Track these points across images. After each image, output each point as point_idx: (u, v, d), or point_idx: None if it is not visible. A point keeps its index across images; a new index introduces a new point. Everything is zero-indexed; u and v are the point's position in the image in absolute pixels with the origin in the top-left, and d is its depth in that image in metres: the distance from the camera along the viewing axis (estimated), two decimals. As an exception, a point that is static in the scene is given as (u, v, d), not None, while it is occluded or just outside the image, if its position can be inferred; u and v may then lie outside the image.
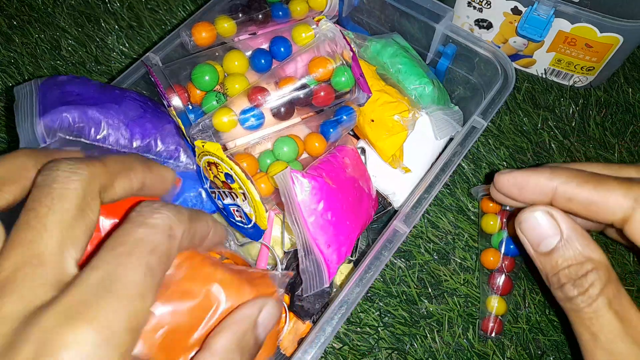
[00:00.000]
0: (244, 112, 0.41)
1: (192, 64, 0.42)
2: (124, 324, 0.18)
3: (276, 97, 0.42)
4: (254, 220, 0.41)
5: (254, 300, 0.25)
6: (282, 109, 0.42)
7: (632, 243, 0.29)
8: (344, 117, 0.44)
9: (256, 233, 0.42)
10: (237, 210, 0.43)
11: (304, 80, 0.42)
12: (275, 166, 0.40)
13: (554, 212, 0.29)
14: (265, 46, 0.45)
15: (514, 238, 0.44)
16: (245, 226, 0.43)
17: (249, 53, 0.44)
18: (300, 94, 0.42)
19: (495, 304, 0.47)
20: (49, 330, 0.17)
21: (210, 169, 0.42)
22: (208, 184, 0.44)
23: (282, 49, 0.43)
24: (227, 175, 0.40)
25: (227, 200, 0.43)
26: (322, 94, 0.42)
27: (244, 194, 0.40)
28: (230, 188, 0.41)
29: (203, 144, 0.40)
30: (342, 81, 0.42)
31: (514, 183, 0.31)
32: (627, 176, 0.30)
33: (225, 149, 0.42)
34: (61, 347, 0.17)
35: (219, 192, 0.43)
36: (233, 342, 0.23)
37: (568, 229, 0.29)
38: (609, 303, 0.28)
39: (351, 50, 0.43)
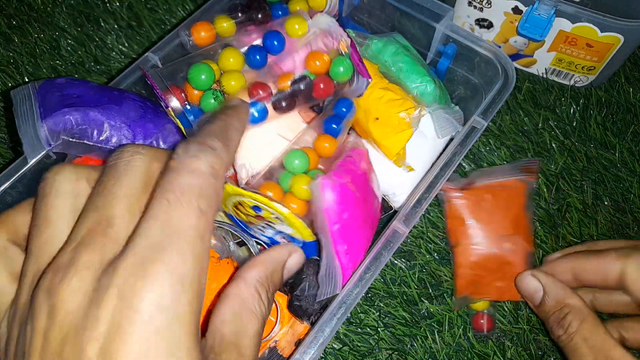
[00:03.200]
0: None
1: (187, 64, 0.42)
2: (192, 265, 0.20)
3: (276, 91, 0.42)
4: (299, 237, 0.41)
5: (285, 246, 0.29)
6: (284, 102, 0.42)
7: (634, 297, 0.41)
8: (343, 109, 0.44)
9: (310, 249, 0.42)
10: (283, 238, 0.42)
11: (302, 73, 0.42)
12: (298, 181, 0.39)
13: (536, 273, 0.43)
14: (259, 42, 0.45)
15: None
16: (302, 246, 0.42)
17: (243, 49, 0.44)
18: (301, 86, 0.42)
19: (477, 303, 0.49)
20: (128, 275, 0.19)
21: (239, 211, 0.41)
22: (247, 228, 0.44)
23: (275, 43, 0.43)
24: (254, 207, 0.39)
25: (269, 232, 0.42)
26: (321, 86, 0.42)
27: (277, 217, 0.39)
28: (263, 218, 0.40)
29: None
30: (341, 71, 0.42)
31: (544, 277, 0.43)
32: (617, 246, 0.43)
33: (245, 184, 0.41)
34: (142, 291, 0.18)
35: (258, 229, 0.43)
36: (264, 276, 0.26)
37: (547, 283, 0.42)
38: (584, 339, 0.38)
39: (348, 37, 0.43)
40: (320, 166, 0.41)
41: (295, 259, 0.29)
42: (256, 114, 0.41)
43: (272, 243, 0.44)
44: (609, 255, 0.41)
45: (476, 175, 0.50)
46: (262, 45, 0.44)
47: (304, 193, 0.39)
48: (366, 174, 0.43)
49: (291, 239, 0.41)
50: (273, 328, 0.42)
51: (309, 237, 0.40)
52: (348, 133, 0.51)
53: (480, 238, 0.48)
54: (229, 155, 0.23)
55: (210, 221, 0.21)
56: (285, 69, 0.43)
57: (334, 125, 0.43)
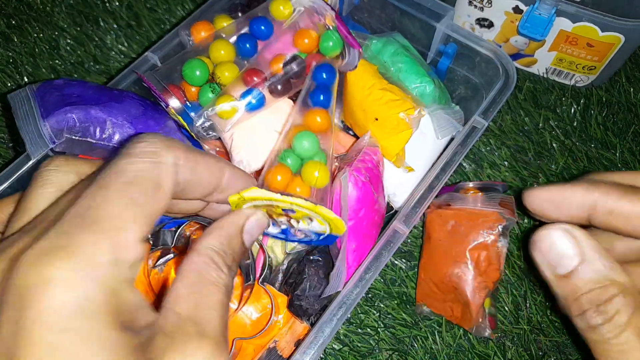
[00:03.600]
0: (243, 95, 0.41)
1: (181, 63, 0.42)
2: (108, 257, 0.18)
3: (270, 74, 0.42)
4: (327, 232, 0.38)
5: (242, 210, 0.27)
6: (279, 86, 0.42)
7: None
8: (324, 75, 0.42)
9: (330, 239, 0.40)
10: (307, 238, 0.40)
11: (294, 54, 0.42)
12: (310, 167, 0.38)
13: (573, 231, 0.26)
14: (246, 30, 0.45)
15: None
16: (318, 239, 0.40)
17: (233, 40, 0.44)
18: (294, 66, 0.42)
19: None
20: (29, 267, 0.17)
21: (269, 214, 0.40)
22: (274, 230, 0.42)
23: (262, 28, 0.43)
24: (286, 210, 0.36)
25: (299, 234, 0.39)
26: (314, 64, 0.42)
27: (309, 218, 0.37)
28: (290, 218, 0.37)
29: (240, 197, 0.31)
30: (330, 46, 0.42)
31: (548, 199, 0.29)
32: None
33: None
34: (45, 283, 0.17)
35: (287, 229, 0.40)
36: (218, 243, 0.24)
37: (590, 248, 0.26)
38: (639, 334, 0.24)
39: (332, 10, 0.42)
40: (322, 147, 0.40)
41: (254, 222, 0.26)
42: (254, 101, 0.41)
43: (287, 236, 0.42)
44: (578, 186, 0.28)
45: (457, 197, 0.48)
46: (250, 33, 0.44)
47: (313, 180, 0.38)
48: (381, 174, 0.43)
49: (316, 235, 0.39)
50: (270, 317, 0.42)
51: (342, 229, 0.36)
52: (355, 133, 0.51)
53: (437, 258, 0.46)
54: (186, 161, 0.23)
55: (144, 212, 0.20)
56: (277, 53, 0.43)
57: (321, 97, 0.40)
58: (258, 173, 0.45)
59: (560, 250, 0.26)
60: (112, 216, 0.19)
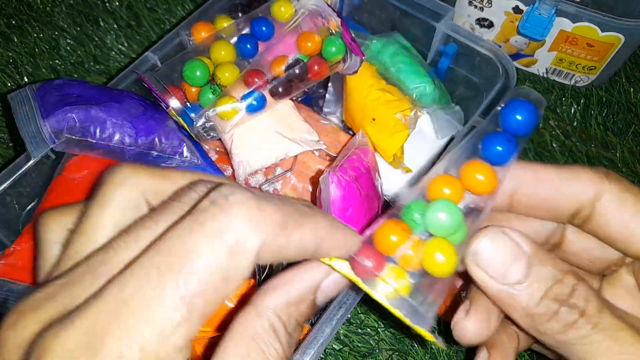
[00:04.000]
0: (244, 96, 0.41)
1: (181, 63, 0.42)
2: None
3: (272, 77, 0.42)
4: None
5: (320, 263, 0.21)
6: (280, 88, 0.42)
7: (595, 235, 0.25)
8: (521, 118, 0.37)
9: None
10: None
11: (295, 57, 0.42)
12: (433, 247, 0.25)
13: (508, 231, 0.23)
14: (247, 30, 0.45)
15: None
16: None
17: (233, 40, 0.44)
18: (296, 69, 0.42)
19: None
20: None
21: None
22: None
23: (264, 29, 0.43)
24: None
25: None
26: (316, 67, 0.42)
27: None
28: None
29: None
30: (333, 51, 0.42)
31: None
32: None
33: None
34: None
35: None
36: (284, 305, 0.20)
37: (531, 245, 0.23)
38: (616, 316, 0.22)
39: (338, 16, 0.42)
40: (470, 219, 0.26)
41: (332, 281, 0.21)
42: (255, 103, 0.41)
43: None
44: (580, 170, 0.25)
45: None
46: (251, 33, 0.44)
47: (432, 264, 0.23)
48: (371, 172, 0.43)
49: None
50: None
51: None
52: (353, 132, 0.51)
53: None
54: (276, 243, 0.18)
55: (197, 315, 0.16)
56: (278, 54, 0.43)
57: (502, 148, 0.25)
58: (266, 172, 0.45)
59: (505, 256, 0.23)
60: (156, 314, 0.15)
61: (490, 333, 0.25)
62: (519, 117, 0.25)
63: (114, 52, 0.64)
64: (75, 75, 0.62)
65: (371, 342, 0.48)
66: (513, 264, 0.22)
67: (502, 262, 0.22)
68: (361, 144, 0.45)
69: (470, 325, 0.24)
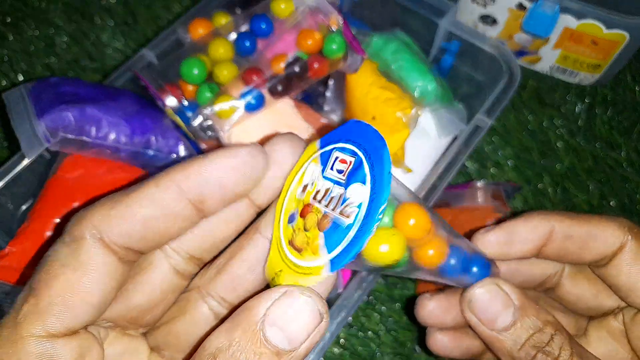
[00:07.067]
0: (243, 95, 0.40)
1: (178, 60, 0.42)
2: None
3: (271, 75, 0.41)
4: None
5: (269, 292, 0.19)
6: (280, 86, 0.41)
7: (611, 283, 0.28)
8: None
9: None
10: None
11: (295, 54, 0.41)
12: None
13: (501, 283, 0.26)
14: (245, 27, 0.44)
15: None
16: None
17: (232, 38, 0.43)
18: (295, 68, 0.41)
19: None
20: None
21: None
22: None
23: (263, 26, 0.42)
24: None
25: None
26: (316, 65, 0.42)
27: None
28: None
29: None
30: (334, 49, 0.41)
31: (497, 239, 0.28)
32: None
33: None
34: None
35: None
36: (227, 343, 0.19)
37: (519, 297, 0.26)
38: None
39: (339, 13, 0.42)
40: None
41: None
42: (253, 101, 0.40)
43: None
44: (606, 221, 0.28)
45: (454, 196, 0.47)
46: (250, 30, 0.43)
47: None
48: None
49: None
50: None
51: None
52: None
53: None
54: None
55: None
56: (277, 52, 0.42)
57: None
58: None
59: (496, 305, 0.26)
60: None
61: (444, 321, 0.29)
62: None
63: (110, 50, 0.63)
64: (71, 73, 0.61)
65: (372, 345, 0.47)
66: (502, 312, 0.26)
67: (492, 310, 0.26)
68: None
69: (431, 304, 0.29)
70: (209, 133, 0.43)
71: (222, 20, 0.45)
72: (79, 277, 0.19)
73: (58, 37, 0.64)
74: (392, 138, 0.45)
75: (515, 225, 0.28)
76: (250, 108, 0.41)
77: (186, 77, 0.41)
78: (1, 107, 0.58)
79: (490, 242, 0.28)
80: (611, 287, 0.28)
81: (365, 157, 0.21)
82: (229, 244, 0.24)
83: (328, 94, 0.53)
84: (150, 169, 0.43)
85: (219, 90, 0.41)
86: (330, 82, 0.52)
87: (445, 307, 0.29)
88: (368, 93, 0.45)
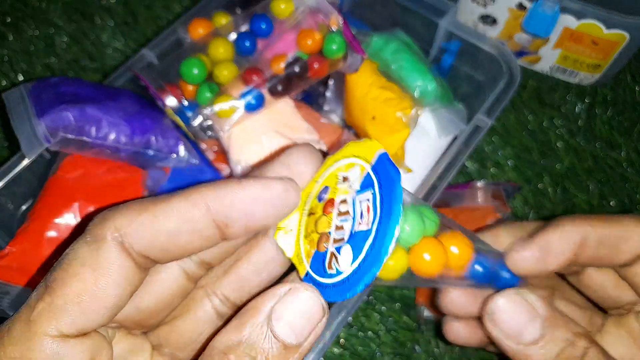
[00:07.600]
0: (243, 95, 0.40)
1: (178, 60, 0.42)
2: None
3: (271, 75, 0.41)
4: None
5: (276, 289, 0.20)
6: (279, 86, 0.41)
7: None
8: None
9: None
10: None
11: (295, 54, 0.41)
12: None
13: (524, 293, 0.25)
14: (245, 27, 0.44)
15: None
16: None
17: (232, 38, 0.43)
18: (295, 68, 0.41)
19: None
20: None
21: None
22: None
23: (263, 26, 0.42)
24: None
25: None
26: (316, 65, 0.42)
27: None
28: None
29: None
30: (334, 49, 0.41)
31: (532, 255, 0.26)
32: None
33: None
34: None
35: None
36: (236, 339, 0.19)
37: (545, 307, 0.24)
38: None
39: (339, 13, 0.42)
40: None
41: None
42: (253, 101, 0.40)
43: None
44: (632, 227, 0.26)
45: (454, 195, 0.47)
46: (250, 30, 0.43)
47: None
48: None
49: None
50: None
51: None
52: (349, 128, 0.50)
53: None
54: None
55: None
56: (277, 52, 0.42)
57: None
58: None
59: (522, 317, 0.24)
60: None
61: (468, 310, 0.28)
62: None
63: (110, 50, 0.63)
64: (71, 73, 0.61)
65: (372, 345, 0.47)
66: (528, 325, 0.24)
67: (517, 322, 0.24)
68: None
69: (455, 292, 0.28)
70: (209, 133, 0.43)
71: (222, 20, 0.45)
72: (96, 279, 0.18)
73: (58, 37, 0.64)
74: (392, 138, 0.45)
75: (547, 236, 0.26)
76: (250, 108, 0.41)
77: (186, 77, 0.41)
78: (1, 107, 0.57)
79: (525, 259, 0.26)
80: (632, 286, 0.27)
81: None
82: None
83: (328, 94, 0.53)
84: (150, 168, 0.43)
85: (219, 90, 0.41)
86: (330, 82, 0.52)
87: (468, 295, 0.28)
88: (368, 93, 0.45)
